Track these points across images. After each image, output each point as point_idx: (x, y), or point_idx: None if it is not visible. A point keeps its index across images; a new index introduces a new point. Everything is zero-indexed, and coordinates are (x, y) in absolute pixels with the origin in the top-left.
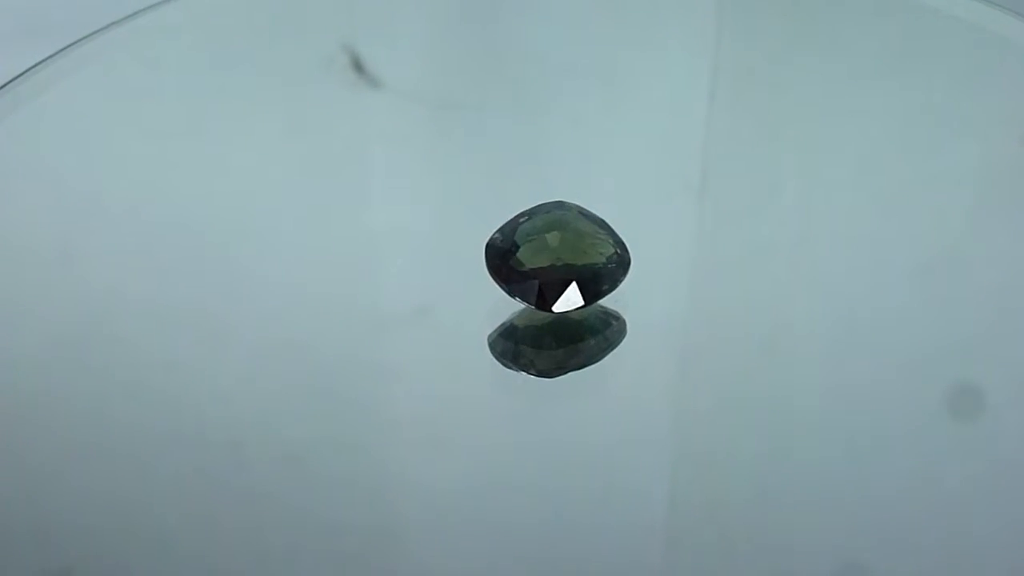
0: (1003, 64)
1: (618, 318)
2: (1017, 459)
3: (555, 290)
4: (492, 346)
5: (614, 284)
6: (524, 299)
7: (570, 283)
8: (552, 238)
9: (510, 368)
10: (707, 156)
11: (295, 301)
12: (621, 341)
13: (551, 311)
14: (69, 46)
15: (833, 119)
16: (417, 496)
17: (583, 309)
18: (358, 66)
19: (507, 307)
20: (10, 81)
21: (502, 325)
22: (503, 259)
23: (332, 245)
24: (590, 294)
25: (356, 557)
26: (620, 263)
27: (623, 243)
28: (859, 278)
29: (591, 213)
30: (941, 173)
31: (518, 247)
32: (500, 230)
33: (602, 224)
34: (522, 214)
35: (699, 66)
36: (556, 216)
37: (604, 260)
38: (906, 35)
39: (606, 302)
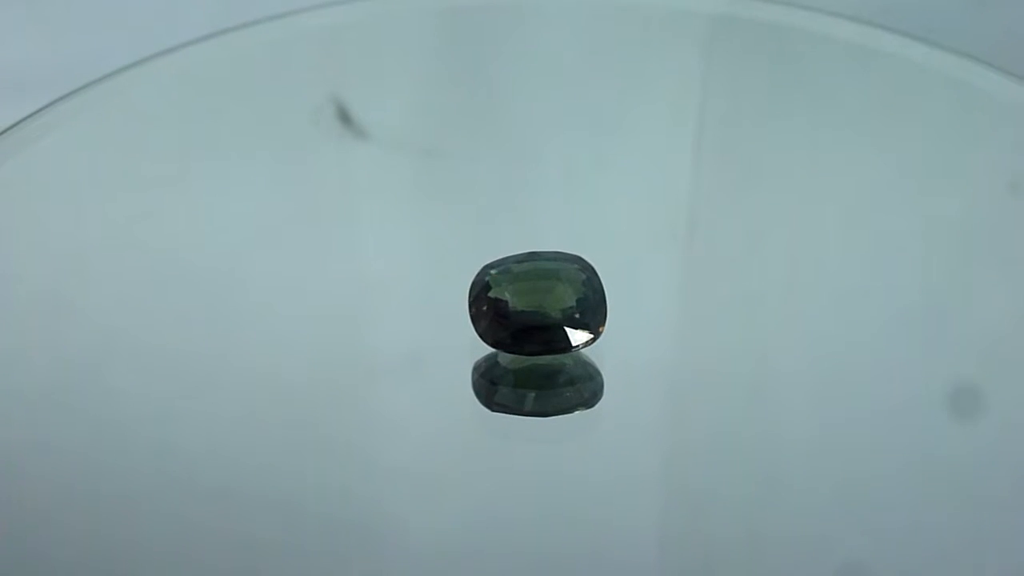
0: (989, 117)
1: (594, 379)
2: (1005, 501)
3: (496, 330)
4: (472, 373)
5: (558, 344)
6: (476, 330)
7: (512, 327)
8: (516, 286)
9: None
10: (693, 205)
11: (284, 350)
12: (593, 400)
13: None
14: (57, 100)
15: (819, 169)
16: (408, 543)
17: (561, 359)
18: (345, 117)
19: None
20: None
21: (488, 358)
22: (477, 291)
23: (320, 295)
24: (532, 344)
25: None
26: (575, 323)
27: (597, 310)
28: (845, 326)
29: (585, 278)
30: (928, 221)
31: (488, 284)
32: (492, 264)
33: (590, 287)
34: (522, 256)
35: (685, 116)
36: (540, 266)
37: (557, 317)
38: (891, 88)
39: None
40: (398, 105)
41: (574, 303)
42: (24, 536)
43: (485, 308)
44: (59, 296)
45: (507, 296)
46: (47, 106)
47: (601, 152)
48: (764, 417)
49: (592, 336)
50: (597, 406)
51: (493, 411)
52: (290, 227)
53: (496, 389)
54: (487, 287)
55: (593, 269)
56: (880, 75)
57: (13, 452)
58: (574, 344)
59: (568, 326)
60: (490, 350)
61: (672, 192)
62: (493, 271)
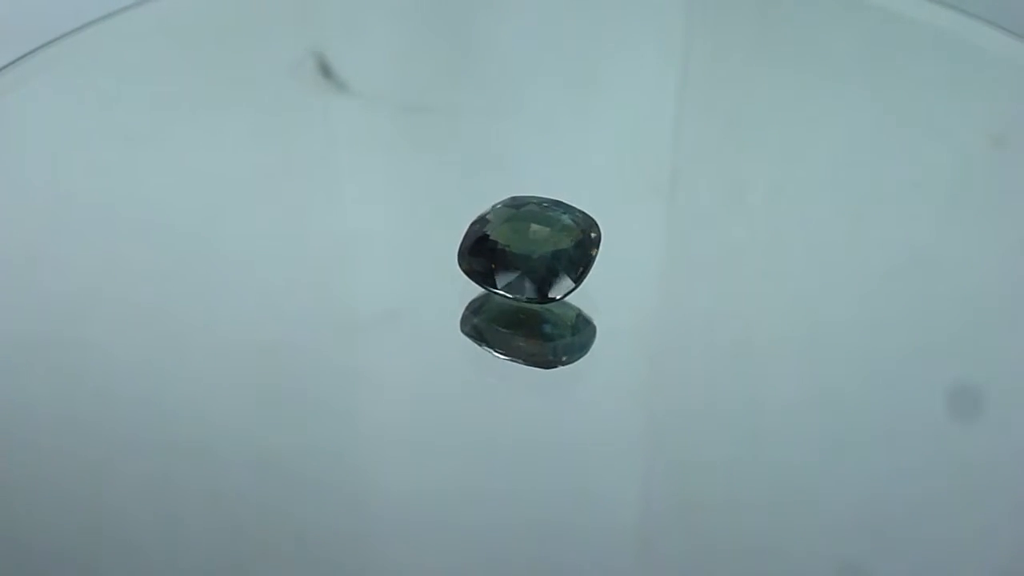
0: (973, 69)
1: (568, 338)
2: (994, 458)
3: (472, 259)
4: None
5: (529, 286)
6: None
7: (486, 260)
8: (509, 224)
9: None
10: (676, 159)
11: (265, 305)
12: (557, 361)
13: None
14: (34, 51)
15: (803, 122)
16: (389, 499)
17: (550, 307)
18: (326, 70)
19: None
20: None
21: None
22: (474, 222)
23: (302, 248)
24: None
25: (328, 561)
26: (550, 275)
27: (575, 269)
28: (830, 280)
29: (580, 237)
30: (913, 175)
31: (488, 223)
32: (519, 198)
33: (581, 246)
34: (545, 200)
35: (669, 69)
36: (544, 213)
37: (532, 263)
38: (878, 41)
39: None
40: (379, 58)
41: (556, 254)
42: (1, 492)
43: (476, 226)
44: (35, 248)
45: (495, 231)
46: (21, 58)
47: (585, 105)
48: (749, 371)
49: (563, 293)
50: (580, 363)
51: (462, 332)
52: (271, 180)
53: (474, 319)
54: (484, 220)
55: (595, 240)
56: (865, 27)
57: None
58: (541, 294)
59: (543, 275)
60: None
61: (656, 144)
62: (498, 205)
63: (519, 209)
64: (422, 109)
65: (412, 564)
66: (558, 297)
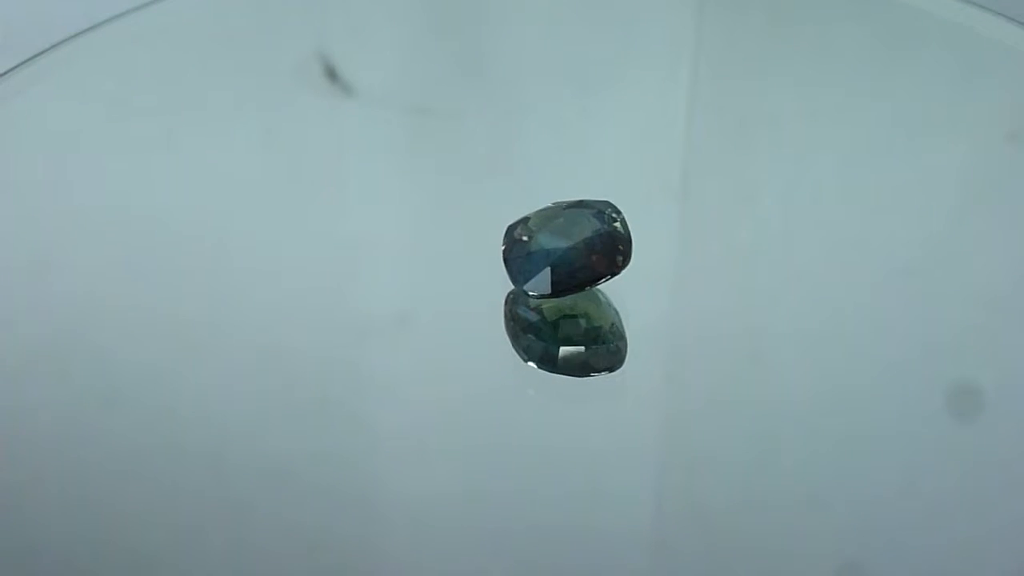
0: (987, 64)
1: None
2: (1004, 458)
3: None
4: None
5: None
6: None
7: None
8: (543, 224)
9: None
10: (687, 159)
11: (275, 310)
12: (587, 365)
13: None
14: (38, 54)
15: (815, 120)
16: (401, 505)
17: (585, 316)
18: (331, 74)
19: (492, 312)
20: None
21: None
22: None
23: (310, 253)
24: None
25: (340, 568)
26: (586, 264)
27: (575, 272)
28: (843, 279)
29: (590, 231)
30: (926, 172)
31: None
32: (588, 202)
33: (578, 243)
34: (595, 205)
35: (679, 69)
36: (581, 211)
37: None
38: (890, 36)
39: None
40: (385, 61)
41: (548, 253)
42: (10, 500)
43: (518, 231)
44: (43, 255)
45: (536, 215)
46: (25, 62)
47: (595, 106)
48: (763, 372)
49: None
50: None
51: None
52: (277, 184)
53: (511, 298)
54: (525, 220)
55: (604, 258)
56: (877, 22)
57: None
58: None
59: (530, 268)
60: (485, 324)
61: (667, 146)
62: (573, 200)
63: (574, 208)
64: (430, 112)
65: (424, 570)
66: (532, 294)
